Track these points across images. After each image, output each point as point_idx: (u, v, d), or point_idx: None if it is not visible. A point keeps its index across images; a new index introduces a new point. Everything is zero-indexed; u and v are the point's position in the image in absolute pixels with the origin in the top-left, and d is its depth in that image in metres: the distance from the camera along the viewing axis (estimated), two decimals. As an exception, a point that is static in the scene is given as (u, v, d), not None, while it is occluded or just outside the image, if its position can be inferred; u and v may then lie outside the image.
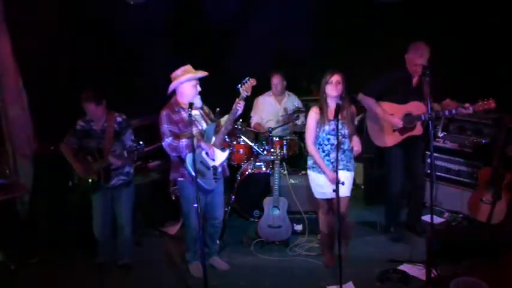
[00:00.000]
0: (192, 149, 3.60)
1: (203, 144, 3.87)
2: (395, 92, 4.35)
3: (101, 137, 4.03)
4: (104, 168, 4.02)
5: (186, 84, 3.85)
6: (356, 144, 3.95)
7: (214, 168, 3.96)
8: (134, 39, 5.13)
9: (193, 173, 3.74)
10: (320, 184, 4.04)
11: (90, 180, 4.04)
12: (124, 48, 5.07)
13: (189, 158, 3.78)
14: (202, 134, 3.94)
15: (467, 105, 4.05)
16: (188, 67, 3.89)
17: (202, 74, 3.89)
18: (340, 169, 3.82)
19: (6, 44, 4.50)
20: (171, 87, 3.87)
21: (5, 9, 4.42)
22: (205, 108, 4.10)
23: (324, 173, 3.95)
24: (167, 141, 3.83)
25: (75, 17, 4.75)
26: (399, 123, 4.31)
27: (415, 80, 4.35)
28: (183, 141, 3.79)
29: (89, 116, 4.03)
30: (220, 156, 3.99)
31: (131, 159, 4.13)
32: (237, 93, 3.89)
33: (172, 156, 3.94)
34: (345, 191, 3.92)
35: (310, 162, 4.09)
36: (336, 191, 3.63)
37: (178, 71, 3.86)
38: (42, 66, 4.59)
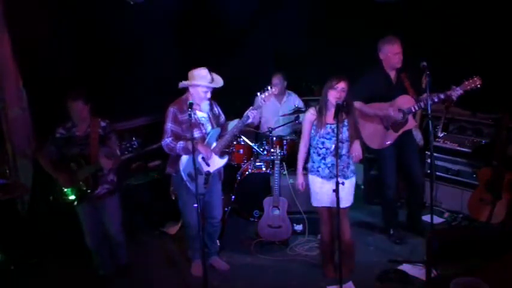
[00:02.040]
0: (189, 152, 3.57)
1: (200, 147, 3.80)
2: (380, 93, 4.32)
3: (84, 143, 3.79)
4: (93, 175, 3.78)
5: (199, 88, 3.83)
6: (356, 149, 3.73)
7: (208, 174, 3.87)
8: (135, 39, 5.13)
9: (184, 177, 3.78)
10: (316, 190, 3.90)
11: (77, 189, 3.78)
12: (124, 49, 5.07)
13: (182, 162, 3.81)
14: (205, 138, 3.92)
15: (453, 87, 4.03)
16: (205, 72, 3.82)
17: (216, 84, 3.84)
18: (334, 175, 3.68)
19: (6, 44, 4.50)
20: (182, 84, 3.85)
21: (5, 9, 4.42)
22: (216, 110, 4.05)
23: (322, 177, 3.83)
24: (166, 140, 3.84)
25: (75, 17, 4.75)
26: (398, 115, 4.22)
27: (393, 76, 4.34)
28: (181, 143, 3.79)
29: (74, 117, 3.79)
30: (217, 163, 3.95)
31: (123, 160, 3.94)
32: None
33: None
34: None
35: (308, 165, 3.96)
36: (336, 191, 3.55)
37: (196, 71, 3.81)
38: (41, 66, 4.59)
